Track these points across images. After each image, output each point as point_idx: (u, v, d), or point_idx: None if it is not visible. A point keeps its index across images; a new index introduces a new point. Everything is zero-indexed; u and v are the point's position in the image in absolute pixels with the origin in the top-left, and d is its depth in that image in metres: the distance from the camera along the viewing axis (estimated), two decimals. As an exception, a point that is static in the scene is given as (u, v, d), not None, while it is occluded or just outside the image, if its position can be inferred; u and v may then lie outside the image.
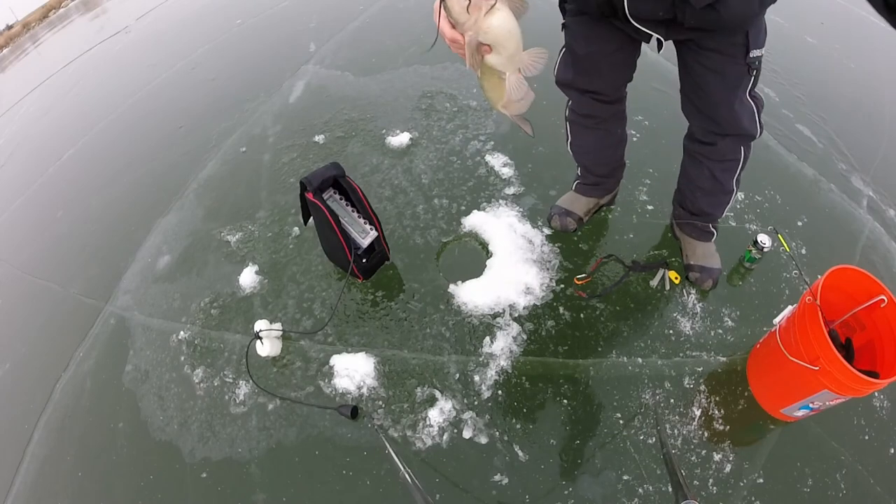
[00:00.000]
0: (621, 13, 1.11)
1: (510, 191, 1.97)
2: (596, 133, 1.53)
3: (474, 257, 1.80)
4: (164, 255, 2.14)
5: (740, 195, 1.87)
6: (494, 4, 0.76)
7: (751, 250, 1.62)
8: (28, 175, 3.52)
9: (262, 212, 2.15)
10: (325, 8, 4.21)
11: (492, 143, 2.19)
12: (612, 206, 1.86)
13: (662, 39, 1.17)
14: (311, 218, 1.74)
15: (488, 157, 2.12)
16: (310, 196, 1.60)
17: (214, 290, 1.93)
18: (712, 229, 1.61)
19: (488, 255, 1.78)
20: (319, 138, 2.42)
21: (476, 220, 1.87)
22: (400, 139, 2.26)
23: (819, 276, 1.20)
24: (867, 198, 1.92)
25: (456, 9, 0.77)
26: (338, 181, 1.67)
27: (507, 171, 2.05)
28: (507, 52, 0.81)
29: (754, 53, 1.17)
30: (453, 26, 0.82)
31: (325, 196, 1.65)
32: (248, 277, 1.90)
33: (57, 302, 2.23)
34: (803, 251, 1.72)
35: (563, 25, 1.33)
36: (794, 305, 1.28)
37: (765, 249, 1.60)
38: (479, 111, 2.37)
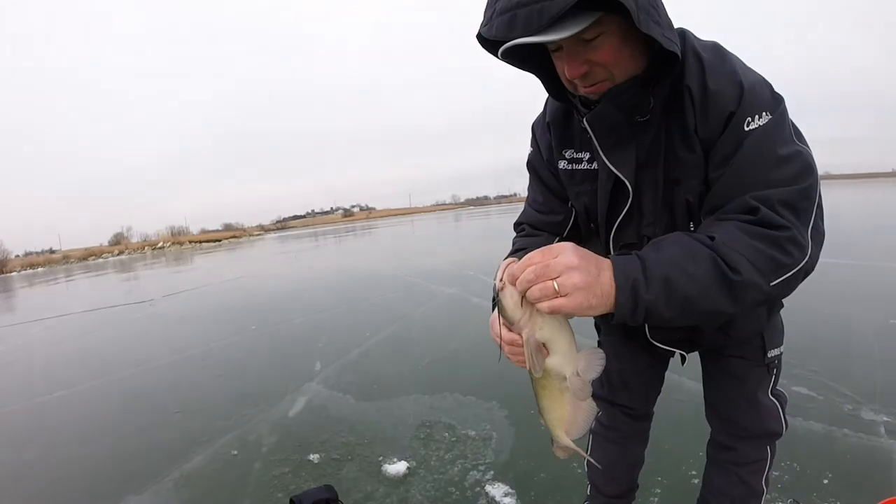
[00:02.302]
0: (642, 337, 1.21)
1: (512, 526, 1.91)
2: (616, 448, 1.52)
3: None
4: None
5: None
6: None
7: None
8: (12, 393, 3.38)
9: (239, 528, 1.99)
10: (335, 331, 4.86)
11: (492, 472, 2.22)
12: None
13: (685, 354, 1.23)
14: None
15: (489, 488, 2.11)
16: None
17: None
18: None
19: None
20: (314, 457, 2.44)
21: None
22: (397, 467, 2.30)
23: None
24: (883, 424, 1.92)
25: (510, 304, 0.81)
26: (334, 506, 1.66)
27: (508, 501, 2.02)
28: (562, 349, 0.83)
29: (772, 353, 1.20)
30: (510, 330, 0.84)
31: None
32: None
33: None
34: (838, 506, 1.65)
35: (598, 344, 1.42)
36: None
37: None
38: (479, 441, 2.50)
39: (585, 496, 1.78)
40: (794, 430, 2.21)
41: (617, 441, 1.50)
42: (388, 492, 2.18)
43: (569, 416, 0.91)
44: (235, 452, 2.53)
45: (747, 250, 0.75)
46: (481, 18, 0.79)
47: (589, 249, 1.04)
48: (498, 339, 0.86)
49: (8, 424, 3.31)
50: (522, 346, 0.82)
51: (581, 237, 1.12)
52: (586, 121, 0.89)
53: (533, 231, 1.13)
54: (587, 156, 1.00)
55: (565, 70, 0.82)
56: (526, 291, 0.74)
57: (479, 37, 0.81)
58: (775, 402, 1.26)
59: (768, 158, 0.80)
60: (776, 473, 1.95)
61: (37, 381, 4.20)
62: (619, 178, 0.92)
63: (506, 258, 0.98)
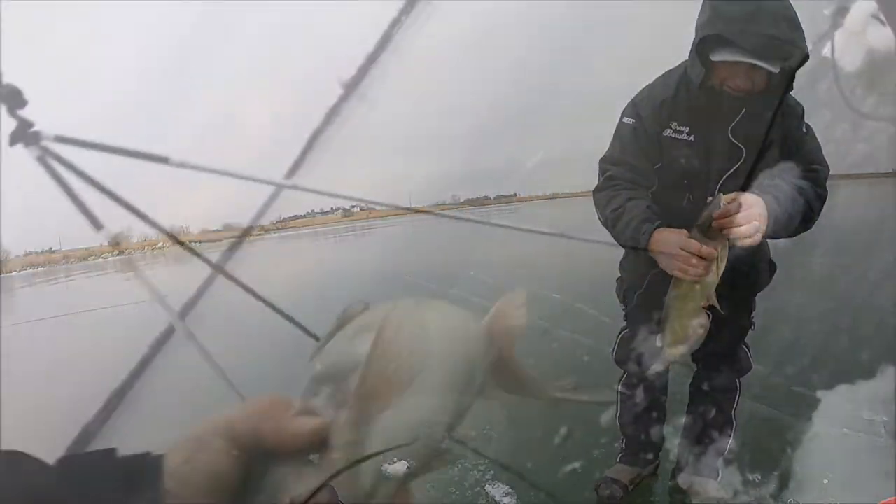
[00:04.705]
0: None
1: (514, 523, 1.90)
2: (644, 401, 1.75)
3: None
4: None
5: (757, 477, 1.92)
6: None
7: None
8: (10, 393, 3.41)
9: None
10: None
11: (491, 472, 2.20)
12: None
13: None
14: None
15: (488, 488, 2.11)
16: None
17: None
18: (717, 468, 1.78)
19: None
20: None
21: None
22: (397, 468, 2.30)
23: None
24: (883, 424, 1.97)
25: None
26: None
27: (508, 501, 2.02)
28: (717, 273, 1.09)
29: (753, 314, 1.69)
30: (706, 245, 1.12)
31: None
32: None
33: None
34: (839, 504, 1.67)
35: (626, 316, 1.74)
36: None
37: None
38: (477, 440, 2.49)
39: (620, 448, 1.92)
40: (794, 430, 2.23)
41: (646, 387, 1.74)
42: (389, 492, 2.17)
43: (683, 332, 1.16)
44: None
45: (817, 202, 1.33)
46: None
47: (672, 196, 1.47)
48: (680, 251, 1.13)
49: (7, 425, 3.31)
50: (711, 260, 1.08)
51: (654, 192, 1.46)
52: (743, 115, 1.33)
53: (629, 185, 1.42)
54: (687, 129, 1.35)
55: (743, 80, 1.25)
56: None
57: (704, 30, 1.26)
58: (746, 348, 1.76)
59: None
60: (776, 473, 1.98)
61: (36, 381, 4.19)
62: (734, 145, 1.34)
63: (626, 201, 1.33)
